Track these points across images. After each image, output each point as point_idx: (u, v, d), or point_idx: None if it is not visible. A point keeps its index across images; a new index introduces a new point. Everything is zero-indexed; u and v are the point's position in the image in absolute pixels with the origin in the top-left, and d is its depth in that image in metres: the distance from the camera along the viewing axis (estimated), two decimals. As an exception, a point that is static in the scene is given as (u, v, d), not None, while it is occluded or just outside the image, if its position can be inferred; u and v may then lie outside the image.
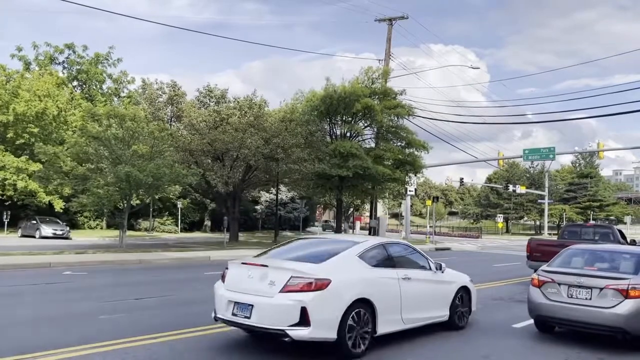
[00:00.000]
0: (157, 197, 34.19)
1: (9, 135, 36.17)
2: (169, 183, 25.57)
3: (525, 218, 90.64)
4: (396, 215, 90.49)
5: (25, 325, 8.18)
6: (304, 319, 6.20)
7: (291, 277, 6.41)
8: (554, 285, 8.11)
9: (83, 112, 30.28)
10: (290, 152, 29.86)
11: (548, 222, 72.55)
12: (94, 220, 43.75)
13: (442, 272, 8.49)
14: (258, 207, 54.40)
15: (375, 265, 7.34)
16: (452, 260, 11.79)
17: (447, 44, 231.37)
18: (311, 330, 6.22)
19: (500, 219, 71.22)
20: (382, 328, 7.05)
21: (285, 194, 52.02)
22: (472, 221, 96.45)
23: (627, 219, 73.42)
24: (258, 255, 7.61)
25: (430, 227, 53.75)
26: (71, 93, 42.19)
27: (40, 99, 36.52)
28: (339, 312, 6.45)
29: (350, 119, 34.41)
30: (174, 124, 34.41)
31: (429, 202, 54.34)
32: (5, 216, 35.17)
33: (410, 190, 37.92)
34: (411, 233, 47.88)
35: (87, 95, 45.31)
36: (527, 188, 69.67)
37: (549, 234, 63.19)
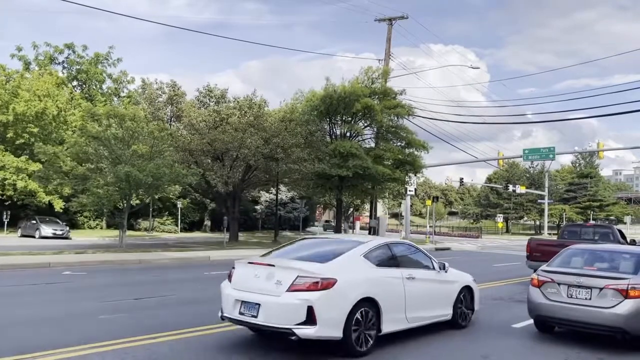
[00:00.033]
0: (156, 197, 34.19)
1: (8, 135, 36.16)
2: (168, 183, 25.57)
3: (525, 218, 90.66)
4: (396, 215, 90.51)
5: (24, 325, 8.18)
6: (310, 318, 6.28)
7: (298, 276, 6.48)
8: (553, 285, 8.10)
9: (83, 112, 30.27)
10: (290, 152, 29.86)
11: (548, 222, 72.55)
12: (93, 220, 43.75)
13: (446, 271, 8.60)
14: (258, 207, 54.40)
15: (380, 265, 7.42)
16: (452, 260, 11.77)
17: (447, 44, 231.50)
18: (317, 328, 6.29)
19: (500, 218, 71.24)
20: (387, 327, 7.13)
21: (285, 193, 52.03)
22: (472, 221, 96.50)
23: (627, 218, 73.43)
24: (264, 255, 7.68)
25: (430, 227, 53.76)
26: (71, 93, 42.19)
27: (40, 99, 36.52)
28: (344, 311, 6.53)
29: (350, 118, 34.40)
30: (173, 123, 34.40)
31: (428, 202, 54.36)
32: (5, 216, 35.17)
33: (410, 190, 37.91)
34: (411, 233, 47.87)
35: (86, 95, 45.32)
36: (527, 188, 69.67)
37: (549, 234, 63.19)
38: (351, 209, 56.72)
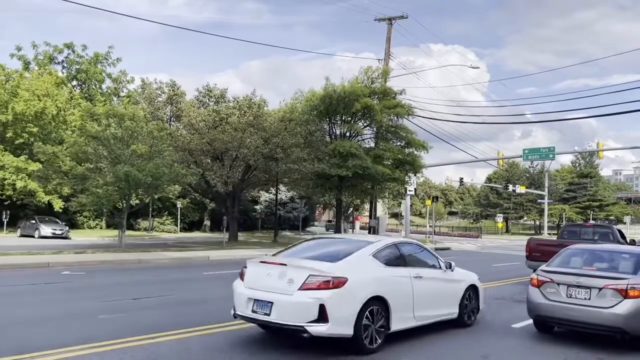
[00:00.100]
0: (156, 196, 34.17)
1: (8, 135, 36.14)
2: (168, 183, 25.55)
3: (525, 218, 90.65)
4: (396, 215, 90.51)
5: (23, 325, 8.16)
6: (322, 316, 6.41)
7: (309, 275, 6.62)
8: (553, 285, 8.09)
9: (82, 112, 30.27)
10: (289, 152, 29.84)
11: (548, 222, 72.54)
12: (93, 220, 43.73)
13: (452, 271, 8.75)
14: (257, 207, 54.39)
15: (389, 264, 7.56)
16: (452, 260, 11.72)
17: (447, 43, 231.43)
18: (329, 326, 6.43)
19: (500, 218, 71.22)
20: (396, 325, 7.28)
21: (284, 193, 52.01)
22: (471, 221, 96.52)
23: (627, 218, 73.30)
24: (275, 254, 7.81)
25: (430, 226, 53.76)
26: (70, 92, 42.16)
27: (39, 99, 36.50)
28: (355, 309, 6.66)
29: (349, 118, 34.39)
30: (173, 123, 34.37)
31: (428, 202, 54.35)
32: (4, 216, 35.15)
33: (409, 190, 37.89)
34: (411, 233, 47.85)
35: (86, 95, 45.29)
36: (526, 188, 69.66)
37: (549, 234, 63.19)
38: (351, 209, 56.71)
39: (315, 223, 62.45)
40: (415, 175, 37.43)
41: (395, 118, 34.97)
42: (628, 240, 17.97)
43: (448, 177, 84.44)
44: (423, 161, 36.70)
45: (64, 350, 6.63)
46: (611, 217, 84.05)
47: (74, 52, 46.52)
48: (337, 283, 6.57)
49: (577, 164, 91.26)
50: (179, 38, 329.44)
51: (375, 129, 35.84)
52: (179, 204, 42.71)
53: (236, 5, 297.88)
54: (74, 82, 46.95)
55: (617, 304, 7.42)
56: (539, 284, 8.28)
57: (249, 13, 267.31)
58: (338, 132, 35.26)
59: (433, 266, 8.49)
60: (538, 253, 15.87)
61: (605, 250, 9.02)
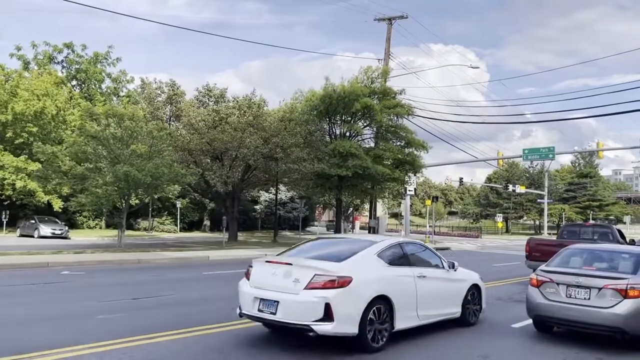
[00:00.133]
0: (156, 196, 34.15)
1: (7, 135, 36.13)
2: (167, 183, 25.54)
3: (525, 218, 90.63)
4: (396, 215, 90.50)
5: (22, 325, 8.15)
6: (327, 315, 6.48)
7: (315, 274, 6.68)
8: (552, 285, 8.08)
9: (82, 112, 30.23)
10: (289, 152, 29.83)
11: (548, 222, 72.54)
12: (92, 220, 43.72)
13: (455, 270, 8.83)
14: (257, 207, 54.38)
15: (393, 264, 7.62)
16: (452, 260, 11.73)
17: (447, 43, 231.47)
18: (335, 325, 6.50)
19: (499, 218, 71.20)
20: (400, 324, 7.35)
21: (284, 193, 52.01)
22: (471, 221, 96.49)
23: (627, 218, 73.37)
24: (280, 254, 7.87)
25: (429, 226, 53.74)
26: (70, 92, 42.16)
27: (38, 98, 36.48)
28: (360, 308, 6.73)
29: (349, 118, 34.38)
30: (172, 123, 34.37)
31: (428, 202, 54.31)
32: (4, 216, 35.15)
33: (409, 190, 37.87)
34: (411, 233, 47.84)
35: (86, 95, 45.28)
36: (526, 188, 69.66)
37: (549, 234, 63.18)
38: (351, 209, 56.71)
39: (315, 223, 62.42)
40: (415, 175, 37.41)
41: (395, 118, 34.95)
42: (627, 240, 17.94)
43: (448, 177, 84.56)
44: (423, 161, 36.70)
45: (62, 350, 6.62)
46: (611, 217, 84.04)
47: (73, 51, 46.55)
48: (342, 282, 6.63)
49: (577, 164, 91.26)
50: (179, 38, 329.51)
51: (375, 129, 35.83)
52: (178, 204, 42.71)
53: (236, 5, 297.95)
54: (74, 82, 46.94)
55: (616, 304, 7.41)
56: (539, 284, 8.27)
57: (249, 13, 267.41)
58: (338, 132, 35.25)
59: (436, 266, 8.57)
60: (538, 253, 15.86)
61: (604, 250, 9.00)
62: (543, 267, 8.64)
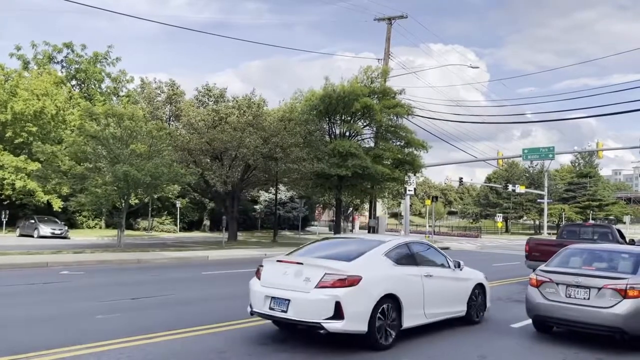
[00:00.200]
0: (155, 196, 34.14)
1: (7, 135, 36.10)
2: (167, 182, 25.52)
3: (525, 218, 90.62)
4: (395, 215, 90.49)
5: (20, 325, 8.14)
6: (338, 313, 6.62)
7: (325, 273, 6.82)
8: (552, 285, 8.07)
9: (81, 111, 30.21)
10: (289, 152, 29.81)
11: (547, 222, 72.54)
12: (92, 220, 43.70)
13: (461, 269, 8.97)
14: (257, 207, 54.36)
15: (400, 263, 7.76)
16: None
17: (447, 43, 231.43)
18: (345, 323, 6.64)
19: (499, 218, 71.20)
20: (407, 322, 7.50)
21: (284, 193, 51.99)
22: (471, 221, 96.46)
23: (626, 218, 73.38)
24: (289, 254, 7.99)
25: (429, 226, 53.75)
26: (69, 92, 42.13)
27: (38, 98, 36.45)
28: (369, 306, 6.87)
29: (349, 118, 34.36)
30: (172, 123, 34.35)
31: (428, 202, 54.35)
32: (3, 215, 35.12)
33: (409, 190, 37.86)
34: (410, 232, 47.85)
35: (85, 95, 45.26)
36: (526, 188, 69.65)
37: (549, 234, 63.17)
38: (350, 209, 56.71)
39: (315, 223, 62.41)
40: (414, 175, 37.41)
41: (395, 118, 34.93)
42: (627, 240, 17.94)
43: (448, 176, 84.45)
44: (423, 161, 36.70)
45: (60, 350, 6.60)
46: (611, 217, 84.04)
47: (73, 51, 46.51)
48: (352, 281, 6.76)
49: (577, 164, 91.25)
50: (179, 38, 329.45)
51: (374, 129, 35.81)
52: (178, 204, 42.68)
53: (237, 5, 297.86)
54: (73, 82, 46.92)
55: (616, 304, 7.40)
56: (538, 284, 8.26)
57: (249, 13, 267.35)
58: (337, 131, 35.23)
59: (442, 265, 8.71)
60: (537, 253, 15.85)
61: (604, 250, 8.99)
62: (543, 267, 8.63)
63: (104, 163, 24.39)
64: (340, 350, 7.09)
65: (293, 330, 7.94)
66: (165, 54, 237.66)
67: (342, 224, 40.00)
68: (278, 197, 40.66)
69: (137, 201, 30.36)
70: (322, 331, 6.76)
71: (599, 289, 7.57)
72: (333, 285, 6.71)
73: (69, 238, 33.20)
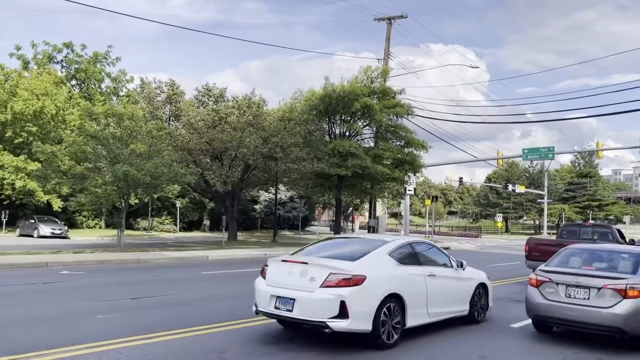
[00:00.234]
0: (155, 196, 34.12)
1: (7, 134, 36.09)
2: (167, 182, 25.51)
3: (525, 217, 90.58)
4: (395, 215, 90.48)
5: (19, 325, 8.13)
6: (343, 312, 6.68)
7: (330, 273, 6.88)
8: (552, 285, 8.06)
9: (81, 111, 30.20)
10: (289, 152, 29.81)
11: (547, 222, 72.49)
12: (92, 220, 43.69)
13: (463, 269, 9.06)
14: (257, 207, 54.35)
15: (404, 263, 7.83)
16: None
17: (447, 43, 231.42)
18: (349, 322, 6.70)
19: (499, 218, 71.16)
20: (411, 321, 7.57)
21: (284, 193, 51.99)
22: (471, 221, 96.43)
23: (626, 218, 73.32)
24: (294, 254, 8.05)
25: (429, 226, 53.73)
26: (69, 92, 42.11)
27: (38, 98, 36.43)
28: (373, 305, 6.94)
29: (349, 118, 34.36)
30: (172, 123, 34.35)
31: (428, 202, 54.32)
32: (3, 215, 35.11)
33: (409, 190, 37.85)
34: (410, 232, 47.84)
35: (85, 94, 45.23)
36: (526, 187, 69.61)
37: (548, 234, 63.15)
38: (350, 209, 56.71)
39: (315, 223, 62.42)
40: (414, 174, 37.40)
41: (395, 118, 34.93)
42: (627, 240, 17.93)
43: (447, 176, 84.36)
44: (422, 161, 36.70)
45: (59, 350, 6.60)
46: (610, 217, 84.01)
47: (73, 51, 46.48)
48: (357, 280, 6.82)
49: (577, 164, 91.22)
50: (179, 38, 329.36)
51: (374, 129, 35.81)
52: (178, 204, 42.68)
53: (236, 5, 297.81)
54: (73, 82, 46.89)
55: (616, 304, 7.39)
56: (538, 284, 8.25)
57: (248, 13, 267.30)
58: (337, 131, 35.22)
59: (445, 265, 8.77)
60: (537, 253, 15.85)
61: (604, 250, 8.98)
62: (542, 267, 8.62)
63: (103, 163, 24.38)
64: (340, 349, 7.08)
65: (293, 330, 7.95)
66: (165, 54, 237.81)
67: (342, 223, 39.97)
68: (278, 197, 40.66)
69: (137, 201, 30.36)
70: (327, 330, 6.80)
71: (599, 289, 7.57)
72: (338, 285, 6.77)
73: (69, 238, 33.19)
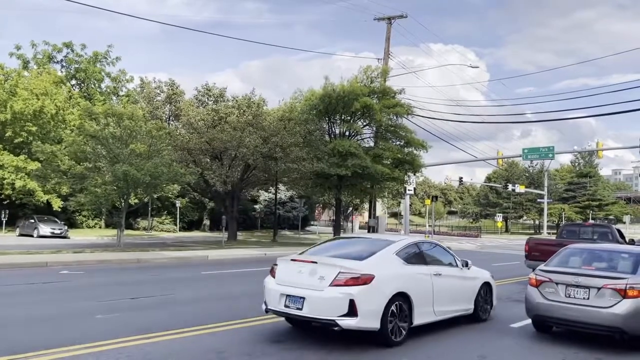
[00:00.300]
0: (155, 196, 34.11)
1: (7, 134, 36.09)
2: (167, 182, 25.51)
3: (525, 217, 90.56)
4: (395, 215, 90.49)
5: (19, 325, 8.13)
6: (352, 310, 6.80)
7: (339, 272, 6.99)
8: (551, 285, 8.06)
9: (81, 111, 30.20)
10: (289, 151, 29.80)
11: (547, 222, 72.46)
12: (92, 219, 43.69)
13: (468, 268, 9.17)
14: (257, 207, 54.36)
15: (410, 262, 7.95)
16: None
17: (447, 43, 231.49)
18: (358, 320, 6.81)
19: (499, 218, 71.15)
20: (418, 319, 7.68)
21: (284, 193, 51.99)
22: (471, 220, 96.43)
23: (626, 218, 73.30)
24: (302, 253, 8.15)
25: (429, 226, 53.75)
26: (69, 92, 42.10)
27: (38, 98, 36.42)
28: (381, 304, 7.05)
29: (349, 118, 34.33)
30: (172, 122, 34.34)
31: (428, 202, 54.32)
32: (3, 215, 35.11)
33: (409, 190, 37.81)
34: (410, 232, 47.82)
35: (85, 94, 45.22)
36: (526, 187, 69.60)
37: (548, 234, 63.15)
38: (350, 208, 56.69)
39: (315, 222, 62.42)
40: (414, 174, 37.36)
41: (395, 117, 34.87)
42: (627, 240, 17.93)
43: (447, 176, 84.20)
44: (422, 160, 36.64)
45: (59, 350, 6.59)
46: (610, 217, 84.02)
47: (73, 51, 46.45)
48: (365, 279, 6.93)
49: (577, 164, 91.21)
50: (178, 37, 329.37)
51: (374, 129, 35.76)
52: (178, 204, 42.68)
53: (236, 4, 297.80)
54: (73, 81, 46.87)
55: (615, 304, 7.39)
56: (538, 284, 8.25)
57: (248, 12, 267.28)
58: (337, 131, 35.19)
59: (450, 264, 8.88)
60: (537, 252, 15.84)
61: (604, 250, 8.98)
62: (542, 266, 8.61)
63: (103, 163, 24.37)
64: (340, 349, 7.08)
65: (294, 330, 7.97)
66: (165, 54, 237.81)
67: (341, 223, 39.95)
68: (278, 197, 40.66)
69: (136, 201, 30.36)
70: (336, 328, 6.89)
71: (599, 288, 7.56)
72: (346, 284, 6.88)
73: (69, 238, 33.20)
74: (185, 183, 29.00)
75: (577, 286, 7.77)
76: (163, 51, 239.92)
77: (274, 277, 7.64)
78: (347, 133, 34.65)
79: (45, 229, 32.75)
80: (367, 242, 8.65)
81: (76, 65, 46.65)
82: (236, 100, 33.86)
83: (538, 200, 73.58)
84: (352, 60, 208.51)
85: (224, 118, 31.11)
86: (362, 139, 36.04)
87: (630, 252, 8.43)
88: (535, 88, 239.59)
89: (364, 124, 35.37)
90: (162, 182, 24.85)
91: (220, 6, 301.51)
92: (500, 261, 25.05)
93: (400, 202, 67.37)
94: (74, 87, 45.70)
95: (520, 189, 63.62)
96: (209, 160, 31.90)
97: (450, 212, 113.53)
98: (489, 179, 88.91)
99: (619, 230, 17.56)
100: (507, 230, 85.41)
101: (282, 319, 8.23)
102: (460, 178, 66.22)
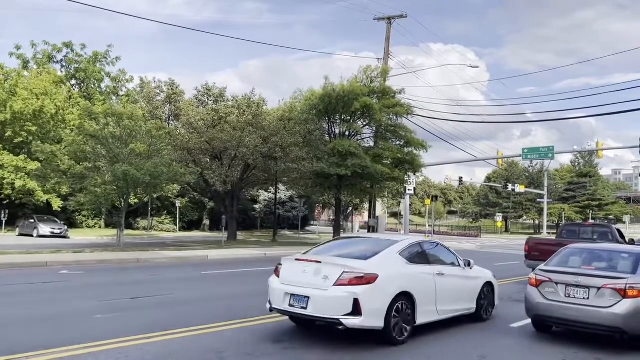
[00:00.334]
0: (155, 196, 34.11)
1: (7, 134, 36.08)
2: (166, 182, 25.50)
3: (525, 217, 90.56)
4: (395, 215, 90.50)
5: (19, 325, 8.13)
6: (356, 309, 6.86)
7: (343, 272, 7.06)
8: (551, 285, 8.06)
9: (81, 111, 30.19)
10: (288, 151, 29.79)
11: (547, 222, 72.46)
12: (92, 219, 43.68)
13: (471, 268, 9.26)
14: (257, 206, 54.36)
15: (414, 262, 8.02)
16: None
17: (447, 43, 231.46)
18: (363, 319, 6.87)
19: (499, 218, 71.12)
20: (421, 318, 7.75)
21: (284, 193, 51.99)
22: (471, 220, 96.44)
23: (626, 218, 73.29)
24: (306, 253, 8.18)
25: (429, 226, 53.75)
26: (69, 91, 42.10)
27: (37, 98, 36.42)
28: (385, 303, 7.12)
29: (349, 117, 34.31)
30: (172, 122, 34.33)
31: (428, 201, 54.34)
32: (3, 215, 35.12)
33: (409, 189, 37.78)
34: (410, 232, 47.81)
35: (85, 94, 45.20)
36: (526, 187, 69.60)
37: (548, 233, 63.15)
38: (350, 208, 56.69)
39: (315, 222, 62.41)
40: (414, 174, 37.33)
41: (395, 117, 34.85)
42: (627, 240, 17.93)
43: (447, 176, 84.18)
44: (422, 160, 36.62)
45: (58, 350, 6.59)
46: (610, 217, 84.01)
47: (72, 51, 46.41)
48: (369, 279, 6.99)
49: (577, 164, 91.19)
50: (178, 37, 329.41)
51: (374, 128, 35.74)
52: (177, 203, 42.67)
53: (236, 4, 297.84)
54: (73, 81, 46.85)
55: (615, 304, 7.38)
56: (538, 284, 8.25)
57: (248, 12, 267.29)
58: (337, 131, 35.17)
59: (453, 264, 8.93)
60: (537, 252, 15.84)
61: (604, 250, 8.98)
62: (542, 266, 8.61)
63: (103, 162, 24.37)
64: (340, 348, 7.08)
65: (294, 330, 7.97)
66: (165, 54, 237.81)
67: (341, 223, 39.94)
68: (278, 197, 40.65)
69: (136, 201, 30.35)
70: (340, 327, 6.95)
71: (599, 288, 7.56)
72: (351, 283, 6.93)
73: (69, 237, 33.19)
74: (185, 183, 28.99)
75: (577, 286, 7.76)
76: (163, 51, 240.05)
77: (278, 276, 7.69)
78: (347, 133, 34.64)
79: (45, 228, 32.75)
80: (370, 242, 8.72)
81: (76, 65, 46.62)
82: (236, 100, 33.85)
83: (538, 200, 73.59)
84: (352, 60, 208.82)
85: (223, 118, 31.10)
86: (362, 139, 36.01)
87: (630, 252, 8.43)
88: (535, 88, 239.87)
89: (364, 123, 35.35)
90: (162, 182, 24.85)
91: (220, 6, 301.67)
92: (500, 261, 25.06)
93: (400, 202, 67.39)
94: (73, 87, 45.69)
95: (520, 188, 63.62)
96: (208, 160, 31.89)
97: (450, 212, 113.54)
98: (489, 178, 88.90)
99: (618, 230, 17.56)
100: (507, 230, 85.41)
101: (282, 318, 8.25)
102: (460, 178, 66.22)
